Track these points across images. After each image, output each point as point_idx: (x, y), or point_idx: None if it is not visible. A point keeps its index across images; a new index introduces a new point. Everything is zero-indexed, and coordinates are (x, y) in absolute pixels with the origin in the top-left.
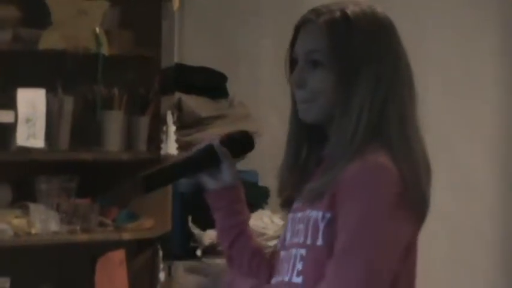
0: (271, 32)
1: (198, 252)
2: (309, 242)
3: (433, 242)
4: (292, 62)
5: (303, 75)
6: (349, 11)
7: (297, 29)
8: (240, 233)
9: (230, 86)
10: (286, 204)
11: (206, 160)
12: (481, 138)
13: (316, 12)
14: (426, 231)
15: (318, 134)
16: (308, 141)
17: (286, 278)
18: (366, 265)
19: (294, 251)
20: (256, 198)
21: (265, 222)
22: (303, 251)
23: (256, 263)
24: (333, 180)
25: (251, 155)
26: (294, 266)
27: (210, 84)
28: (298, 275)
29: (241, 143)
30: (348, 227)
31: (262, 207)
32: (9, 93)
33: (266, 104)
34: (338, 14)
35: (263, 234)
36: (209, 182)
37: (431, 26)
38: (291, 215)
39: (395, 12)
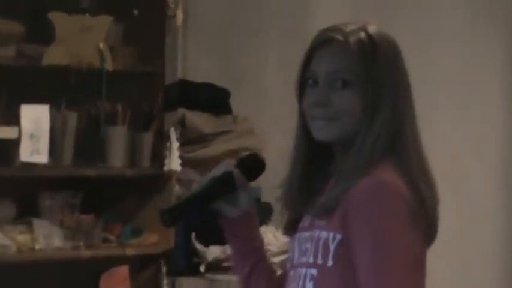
0: (275, 48)
1: (202, 268)
2: (319, 261)
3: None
4: (303, 82)
5: (326, 94)
6: (371, 33)
7: (314, 49)
8: (259, 259)
9: (234, 102)
10: (291, 229)
11: (225, 188)
12: (488, 159)
13: (339, 31)
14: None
15: (324, 153)
16: (313, 160)
17: None
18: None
19: (303, 270)
20: (260, 214)
21: (269, 238)
22: (313, 271)
23: (272, 286)
24: (342, 194)
25: None
26: (304, 285)
27: (214, 100)
28: None
29: (254, 168)
30: (363, 254)
31: (265, 223)
32: (13, 109)
33: (270, 120)
34: (363, 34)
35: (266, 250)
36: (227, 210)
37: (438, 46)
38: (297, 235)
39: (402, 31)
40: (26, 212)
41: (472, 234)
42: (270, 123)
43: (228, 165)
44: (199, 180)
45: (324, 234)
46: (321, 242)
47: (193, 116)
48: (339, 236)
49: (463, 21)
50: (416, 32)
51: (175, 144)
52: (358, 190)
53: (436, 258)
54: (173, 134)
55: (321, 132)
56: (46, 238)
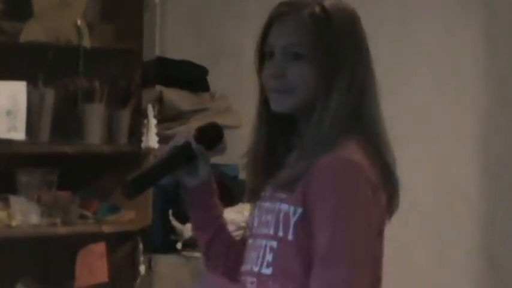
0: (253, 26)
1: (179, 246)
2: (280, 234)
3: (415, 241)
4: (262, 54)
5: (281, 67)
6: (326, 5)
7: (271, 22)
8: (218, 228)
9: (211, 80)
10: (253, 196)
11: (184, 158)
12: (463, 134)
13: (293, 5)
14: (408, 230)
15: (286, 124)
16: (276, 131)
17: (256, 269)
18: (349, 265)
19: (263, 241)
20: (237, 191)
21: (246, 215)
22: (273, 243)
23: (232, 258)
24: (305, 171)
25: (231, 148)
26: (263, 256)
27: (192, 77)
28: (268, 266)
29: (213, 136)
30: (324, 228)
31: (242, 201)
32: None
33: (247, 97)
34: (317, 7)
35: (243, 227)
36: (186, 179)
37: (417, 22)
38: (258, 203)
39: (381, 8)
40: (3, 188)
41: (449, 211)
42: (247, 100)
43: (187, 135)
44: (160, 151)
45: (284, 207)
46: (281, 215)
47: (171, 93)
48: (299, 210)
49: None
50: (397, 9)
51: (153, 121)
52: (320, 167)
53: (416, 238)
54: (150, 111)
55: (277, 103)
56: (23, 215)
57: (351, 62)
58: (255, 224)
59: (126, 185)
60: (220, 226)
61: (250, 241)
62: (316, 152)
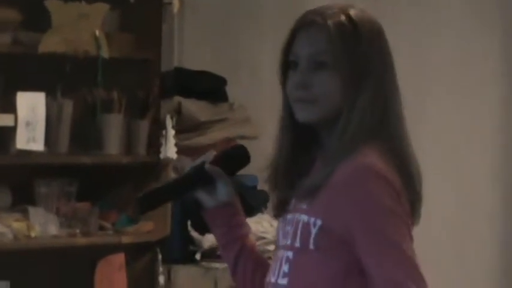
0: (271, 35)
1: (198, 256)
2: (297, 244)
3: (434, 244)
4: (286, 64)
5: (306, 76)
6: (351, 14)
7: (295, 32)
8: (241, 248)
9: (230, 90)
10: (279, 211)
11: (198, 179)
12: (481, 140)
13: (319, 14)
14: (428, 234)
15: (309, 135)
16: (299, 142)
17: (273, 279)
18: (402, 260)
19: (282, 252)
20: (256, 202)
21: (265, 226)
22: (289, 253)
23: (259, 275)
24: (324, 179)
25: (251, 159)
26: (280, 267)
27: (210, 88)
28: (283, 276)
29: (236, 160)
30: (360, 242)
31: (261, 212)
32: (9, 97)
33: (266, 108)
34: (343, 17)
35: (262, 238)
36: (205, 200)
37: (433, 29)
38: (284, 216)
39: (397, 15)
40: (22, 199)
41: (469, 220)
42: (265, 111)
43: (207, 156)
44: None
45: (304, 217)
46: (300, 226)
47: (189, 103)
48: (319, 222)
49: (459, 11)
50: (413, 23)
51: (171, 132)
52: (339, 177)
53: (435, 245)
54: (169, 122)
55: (302, 114)
56: (42, 226)
57: (376, 73)
58: (280, 237)
59: (137, 201)
60: (245, 245)
61: (275, 253)
62: (335, 161)
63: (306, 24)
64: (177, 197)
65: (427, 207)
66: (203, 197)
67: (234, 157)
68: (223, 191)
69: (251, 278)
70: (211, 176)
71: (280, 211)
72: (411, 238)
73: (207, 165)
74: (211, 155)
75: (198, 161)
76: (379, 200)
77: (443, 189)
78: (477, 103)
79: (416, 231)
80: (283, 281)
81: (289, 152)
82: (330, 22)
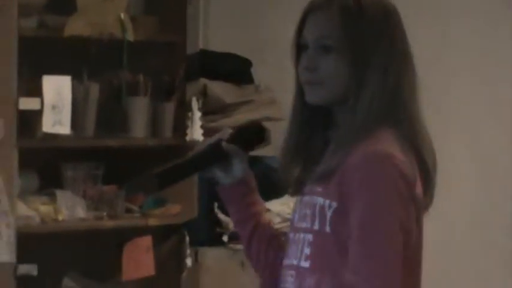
0: (296, 17)
1: (225, 238)
2: (316, 227)
3: (454, 230)
4: (299, 47)
5: (313, 60)
6: None
7: (306, 15)
8: (255, 225)
9: (255, 72)
10: (294, 190)
11: (215, 156)
12: (505, 121)
13: None
14: (446, 220)
15: (323, 117)
16: (312, 124)
17: (295, 262)
18: (381, 257)
19: (302, 235)
20: (282, 183)
21: (292, 207)
22: (310, 236)
23: (272, 253)
24: (339, 163)
25: (275, 140)
26: (302, 250)
27: (235, 70)
28: (306, 259)
29: (251, 137)
30: (356, 223)
31: (288, 193)
32: (35, 81)
33: (291, 89)
34: (350, 1)
35: (289, 219)
36: (220, 177)
37: (454, 14)
38: (299, 198)
39: (418, 8)
40: (49, 183)
41: (488, 195)
42: (291, 92)
43: (223, 133)
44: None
45: (320, 200)
46: (317, 208)
47: (215, 86)
48: (334, 204)
49: None
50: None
51: (197, 114)
52: (354, 161)
53: (455, 218)
54: (195, 104)
55: (310, 96)
56: (69, 209)
57: (384, 56)
58: (296, 219)
59: (154, 177)
60: (259, 223)
61: (291, 235)
62: (349, 145)
63: (315, 7)
64: (194, 173)
65: (449, 182)
66: (218, 173)
67: (250, 134)
68: (239, 167)
69: (264, 255)
70: (227, 153)
71: (295, 190)
72: (409, 232)
73: (223, 143)
74: (227, 132)
75: (214, 138)
76: (385, 187)
77: (467, 177)
78: (499, 86)
79: (436, 206)
80: (306, 264)
81: (300, 134)
82: (336, 5)
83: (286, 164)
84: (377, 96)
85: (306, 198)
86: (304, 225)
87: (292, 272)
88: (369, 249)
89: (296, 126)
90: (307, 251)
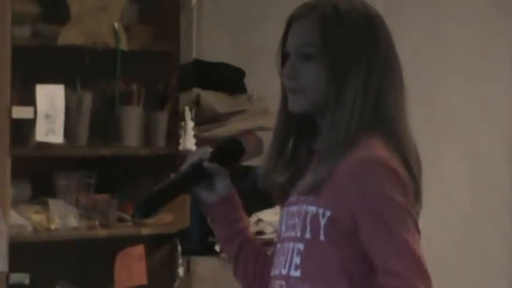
0: None
1: (217, 248)
2: (307, 236)
3: (449, 232)
4: (284, 56)
5: (294, 68)
6: (340, 6)
7: (289, 24)
8: (242, 241)
9: (248, 81)
10: (281, 200)
11: (197, 177)
12: (498, 124)
13: (307, 7)
14: (442, 222)
15: (307, 127)
16: (296, 133)
17: (284, 272)
18: (410, 253)
19: (290, 244)
20: (267, 195)
21: (276, 219)
22: (300, 246)
23: (259, 266)
24: (327, 175)
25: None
26: (291, 259)
27: (229, 79)
28: (296, 268)
29: (231, 153)
30: (368, 232)
31: (271, 206)
32: (28, 90)
33: None
34: (329, 9)
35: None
36: (204, 196)
37: (450, 11)
38: (285, 209)
39: (414, 12)
40: (42, 191)
41: (482, 200)
42: None
43: (203, 151)
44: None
45: (312, 209)
46: (309, 217)
47: (208, 95)
48: (328, 213)
49: None
50: (429, 13)
51: (190, 124)
52: (345, 168)
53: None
54: (188, 114)
55: (291, 103)
56: (62, 218)
57: (364, 62)
58: (283, 229)
59: (138, 206)
60: (246, 239)
61: (278, 246)
62: (335, 154)
63: (297, 15)
64: (178, 195)
65: (444, 191)
66: (202, 193)
67: (229, 150)
68: (222, 185)
69: (253, 269)
70: (209, 172)
71: (278, 199)
72: (418, 231)
73: (205, 162)
74: (207, 151)
75: (195, 157)
76: (387, 193)
77: (461, 179)
78: (494, 86)
79: (431, 214)
80: (296, 273)
81: (284, 142)
82: (315, 14)
83: (268, 171)
84: (358, 104)
85: (293, 208)
86: (292, 234)
87: (282, 282)
88: (397, 248)
89: (280, 134)
90: (297, 260)
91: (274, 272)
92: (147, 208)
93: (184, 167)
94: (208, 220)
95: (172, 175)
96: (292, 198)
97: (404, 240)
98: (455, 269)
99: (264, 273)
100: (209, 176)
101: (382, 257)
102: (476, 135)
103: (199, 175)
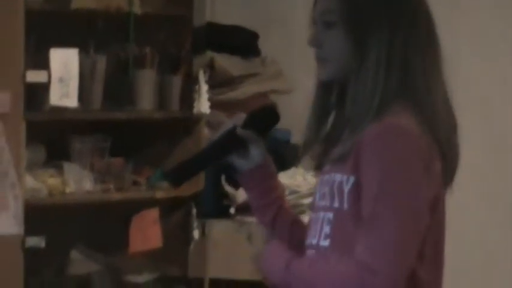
0: None
1: (232, 211)
2: (336, 205)
3: (467, 202)
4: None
5: (317, 36)
6: None
7: None
8: (278, 210)
9: (262, 44)
10: (319, 167)
11: (232, 144)
12: None
13: None
14: (460, 193)
15: (340, 95)
16: (330, 101)
17: (314, 241)
18: (392, 233)
19: (321, 214)
20: (289, 156)
21: (298, 180)
22: (330, 215)
23: (295, 237)
24: (353, 143)
25: (283, 113)
26: (321, 229)
27: (242, 42)
28: (325, 238)
29: (265, 120)
30: (370, 195)
31: (295, 166)
32: (42, 54)
33: (298, 62)
34: None
35: (296, 192)
36: (239, 163)
37: None
38: (320, 177)
39: None
40: (56, 155)
41: (500, 175)
42: (297, 65)
43: (237, 119)
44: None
45: (338, 177)
46: (336, 185)
47: (222, 58)
48: (352, 179)
49: None
50: None
51: (204, 87)
52: (369, 134)
53: (464, 194)
54: (202, 77)
55: (319, 72)
56: (76, 182)
57: (387, 29)
58: (317, 198)
59: (171, 173)
60: (280, 208)
61: (312, 215)
62: (361, 121)
63: None
64: (213, 163)
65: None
66: (237, 161)
67: (263, 117)
68: (256, 152)
69: (289, 239)
70: (243, 140)
71: (316, 167)
72: (423, 211)
73: (238, 129)
74: (241, 118)
75: (228, 125)
76: (400, 162)
77: (478, 150)
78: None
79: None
80: (325, 243)
81: (320, 112)
82: None
83: (308, 142)
84: (382, 71)
85: (326, 177)
86: (323, 203)
87: (312, 252)
88: (377, 226)
89: (318, 104)
90: (326, 229)
91: (308, 241)
92: (180, 177)
93: (218, 134)
94: (243, 188)
95: (207, 143)
96: (326, 167)
97: (394, 224)
98: (471, 240)
99: (299, 245)
100: (243, 144)
101: (360, 235)
102: (495, 109)
103: (233, 142)
